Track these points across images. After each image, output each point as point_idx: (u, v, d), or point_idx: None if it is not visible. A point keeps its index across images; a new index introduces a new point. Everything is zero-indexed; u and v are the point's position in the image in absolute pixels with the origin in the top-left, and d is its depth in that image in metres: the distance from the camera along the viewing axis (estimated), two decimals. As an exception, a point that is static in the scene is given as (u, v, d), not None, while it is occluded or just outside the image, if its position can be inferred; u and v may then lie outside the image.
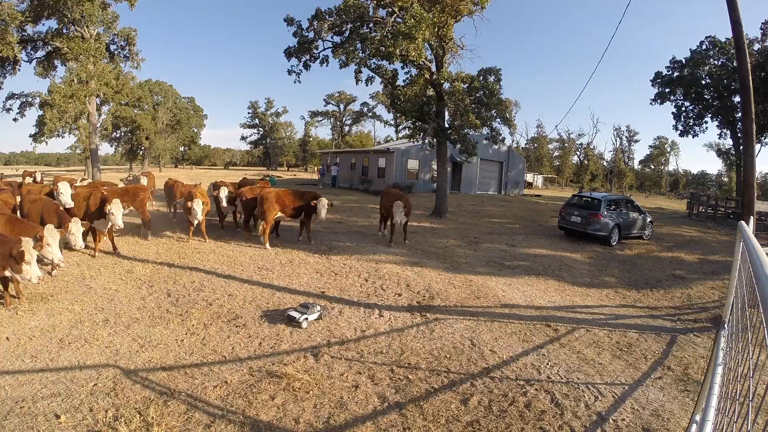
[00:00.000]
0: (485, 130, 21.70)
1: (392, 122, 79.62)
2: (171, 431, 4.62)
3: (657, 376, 6.12)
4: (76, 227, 9.38)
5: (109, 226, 11.17)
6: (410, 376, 5.66)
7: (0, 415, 4.92)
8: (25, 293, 8.42)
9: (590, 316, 8.47)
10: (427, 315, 7.93)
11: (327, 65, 22.74)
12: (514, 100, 76.44)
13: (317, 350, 6.47)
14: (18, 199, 12.09)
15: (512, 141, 76.67)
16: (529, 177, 55.14)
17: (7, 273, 6.96)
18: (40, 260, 7.73)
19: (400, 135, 72.82)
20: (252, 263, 11.09)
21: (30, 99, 35.75)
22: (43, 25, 22.70)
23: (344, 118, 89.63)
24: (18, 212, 10.95)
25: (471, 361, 6.15)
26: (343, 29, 21.40)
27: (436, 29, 18.45)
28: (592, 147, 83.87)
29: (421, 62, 19.44)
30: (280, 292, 9.02)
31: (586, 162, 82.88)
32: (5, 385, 5.55)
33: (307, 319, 7.29)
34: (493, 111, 20.90)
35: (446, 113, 21.57)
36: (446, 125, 21.17)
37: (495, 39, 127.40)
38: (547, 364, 6.17)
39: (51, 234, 8.01)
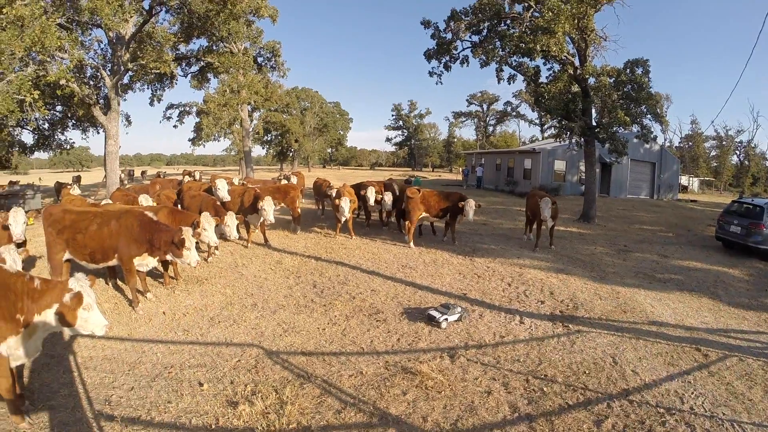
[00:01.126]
0: (635, 128, 20.16)
1: (537, 121, 76.28)
2: (303, 412, 4.99)
3: (815, 423, 5.23)
4: (231, 220, 10.45)
5: (261, 220, 12.23)
6: (545, 389, 5.53)
7: (150, 377, 5.75)
8: (183, 276, 9.64)
9: (745, 343, 7.42)
10: (570, 326, 7.61)
11: (467, 65, 22.77)
12: (664, 93, 68.36)
13: (454, 351, 6.54)
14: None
15: (664, 139, 69.27)
16: (683, 180, 49.87)
17: (168, 257, 7.95)
18: (198, 248, 8.63)
19: (546, 134, 69.44)
20: (396, 261, 11.46)
21: (187, 108, 40.25)
22: (194, 43, 25.17)
23: (488, 118, 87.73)
24: (179, 206, 12.40)
25: (611, 380, 5.81)
26: (481, 28, 21.21)
27: (575, 21, 17.45)
28: (753, 145, 70.91)
29: (563, 57, 18.68)
30: (422, 291, 9.22)
31: (746, 163, 70.37)
32: (157, 352, 6.49)
33: (446, 319, 7.38)
34: (643, 106, 19.31)
35: (593, 110, 20.35)
36: (593, 123, 19.96)
37: (638, 26, 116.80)
38: (692, 393, 5.58)
39: (207, 220, 9.10)
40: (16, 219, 8.26)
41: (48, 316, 4.50)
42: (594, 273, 11.14)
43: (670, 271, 11.81)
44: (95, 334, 4.62)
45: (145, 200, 12.07)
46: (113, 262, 8.08)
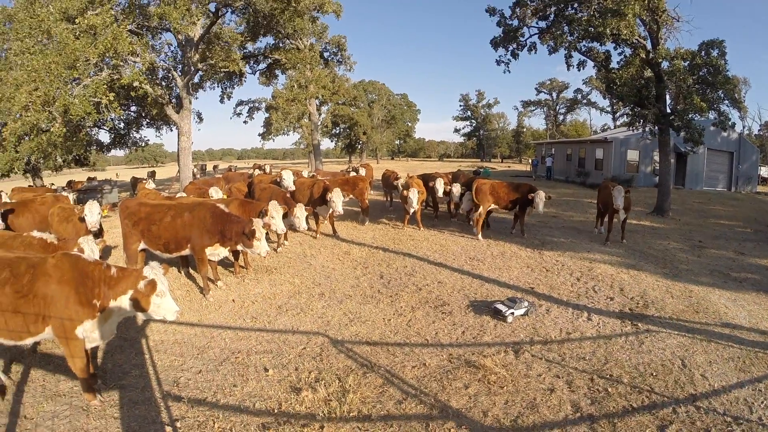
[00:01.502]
0: (711, 115, 18.75)
1: (608, 109, 72.30)
2: (364, 401, 5.09)
3: None
4: (300, 211, 10.78)
5: (330, 211, 12.50)
6: (609, 389, 5.33)
7: (217, 361, 6.04)
8: (252, 265, 10.02)
9: (823, 352, 6.78)
10: (639, 325, 7.25)
11: (535, 52, 21.97)
12: (742, 77, 62.61)
13: (519, 346, 6.45)
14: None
15: (743, 127, 63.63)
16: (763, 171, 46.00)
17: (239, 247, 8.29)
18: (268, 238, 9.02)
19: (618, 123, 66.15)
20: (463, 253, 11.44)
21: (257, 104, 41.53)
22: (261, 41, 25.76)
23: (557, 107, 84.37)
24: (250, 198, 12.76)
25: (678, 383, 5.49)
26: (547, 13, 20.46)
27: (645, 1, 16.55)
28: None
29: (634, 40, 17.72)
30: (489, 284, 9.15)
31: (830, 152, 64.84)
32: (226, 338, 6.81)
33: (513, 313, 7.27)
34: (720, 91, 17.84)
35: (667, 96, 19.26)
36: (668, 110, 18.84)
37: (711, 5, 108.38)
38: (762, 402, 5.14)
39: (275, 209, 9.42)
40: (92, 210, 9.06)
41: (123, 302, 4.86)
42: (666, 269, 10.56)
43: (746, 270, 10.97)
44: (167, 319, 4.94)
45: (215, 193, 12.58)
46: (186, 252, 8.53)
